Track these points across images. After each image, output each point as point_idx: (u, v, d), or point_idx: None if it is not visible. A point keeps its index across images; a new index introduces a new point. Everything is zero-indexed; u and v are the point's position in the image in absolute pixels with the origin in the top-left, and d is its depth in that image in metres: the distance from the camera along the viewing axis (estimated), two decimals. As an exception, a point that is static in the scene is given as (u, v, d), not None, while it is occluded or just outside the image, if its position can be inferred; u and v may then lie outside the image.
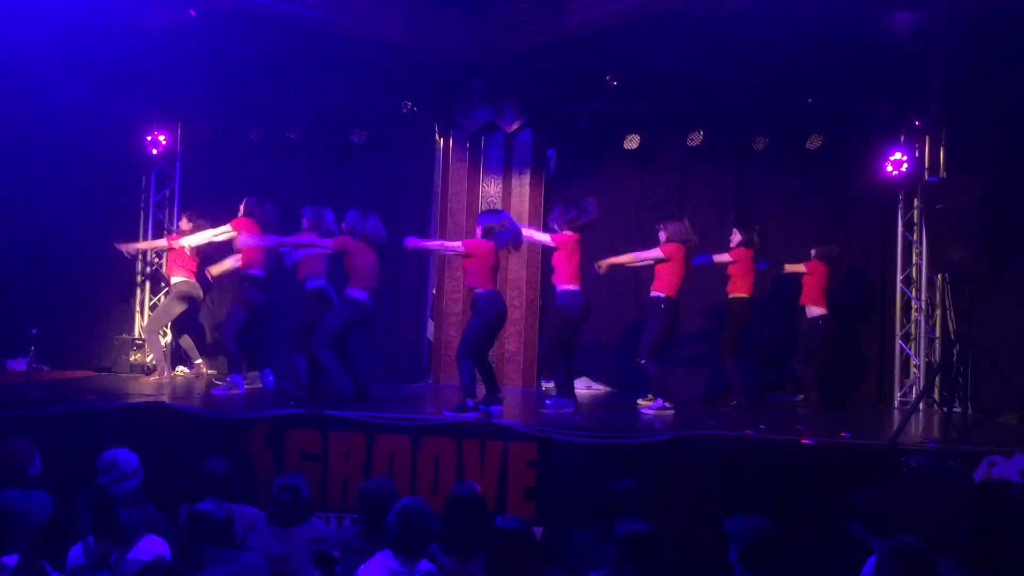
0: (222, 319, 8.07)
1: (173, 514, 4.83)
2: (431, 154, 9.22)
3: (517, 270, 8.78)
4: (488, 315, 6.57)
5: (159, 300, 9.19)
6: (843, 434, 6.08)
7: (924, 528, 4.19)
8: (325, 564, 3.80)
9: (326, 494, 5.87)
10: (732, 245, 7.88)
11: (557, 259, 6.96)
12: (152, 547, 3.85)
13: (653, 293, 7.23)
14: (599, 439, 5.80)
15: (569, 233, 6.94)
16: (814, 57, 7.95)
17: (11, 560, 3.55)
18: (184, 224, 8.45)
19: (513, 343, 8.83)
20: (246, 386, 7.54)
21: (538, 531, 5.34)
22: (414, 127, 8.99)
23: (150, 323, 8.67)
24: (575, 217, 6.94)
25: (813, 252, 7.96)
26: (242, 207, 7.74)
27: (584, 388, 8.55)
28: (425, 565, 3.83)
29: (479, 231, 6.77)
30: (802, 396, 8.16)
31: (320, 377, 6.93)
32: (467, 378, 6.52)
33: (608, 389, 8.83)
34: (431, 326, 9.21)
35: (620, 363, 8.65)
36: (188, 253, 8.31)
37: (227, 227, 7.78)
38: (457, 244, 6.95)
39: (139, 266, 9.35)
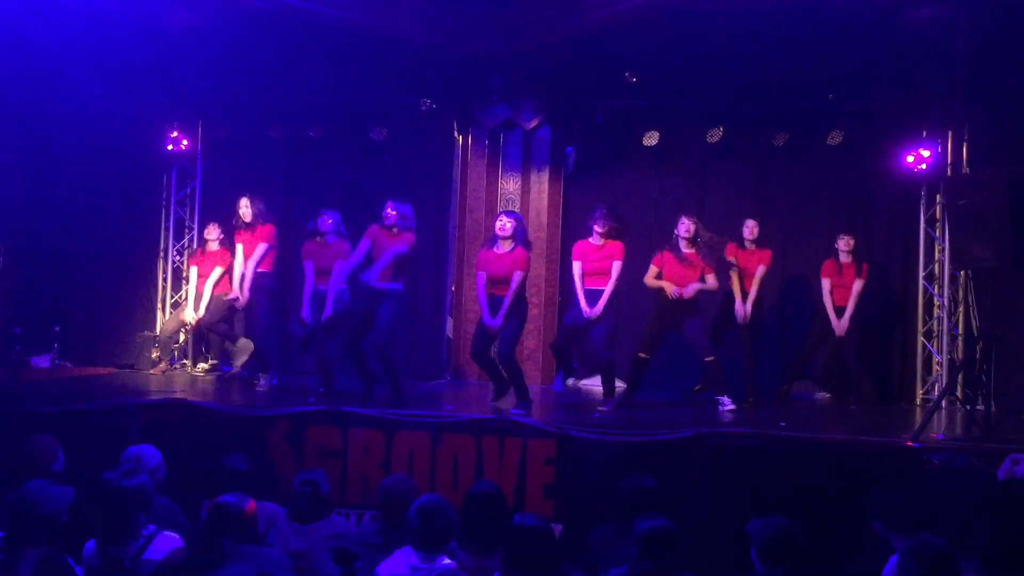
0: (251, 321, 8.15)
1: (194, 510, 4.87)
2: (450, 151, 9.22)
3: (536, 267, 8.74)
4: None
5: (180, 297, 9.25)
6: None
7: (946, 526, 4.16)
8: (345, 560, 3.81)
9: (346, 491, 5.90)
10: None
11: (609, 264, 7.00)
12: (169, 545, 3.87)
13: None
14: (618, 436, 5.80)
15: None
16: (835, 52, 7.88)
17: (33, 553, 3.58)
18: (215, 232, 8.51)
19: (531, 340, 8.82)
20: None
21: (557, 528, 5.34)
22: (433, 124, 8.98)
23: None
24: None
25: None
26: (255, 214, 7.92)
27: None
28: (445, 562, 3.84)
29: None
30: (826, 394, 8.15)
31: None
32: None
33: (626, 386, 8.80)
34: (450, 323, 9.22)
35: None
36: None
37: (262, 245, 7.95)
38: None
39: (161, 263, 9.42)
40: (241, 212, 8.02)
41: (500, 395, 6.88)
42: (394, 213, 6.88)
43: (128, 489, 3.90)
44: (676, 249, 7.24)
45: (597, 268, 6.97)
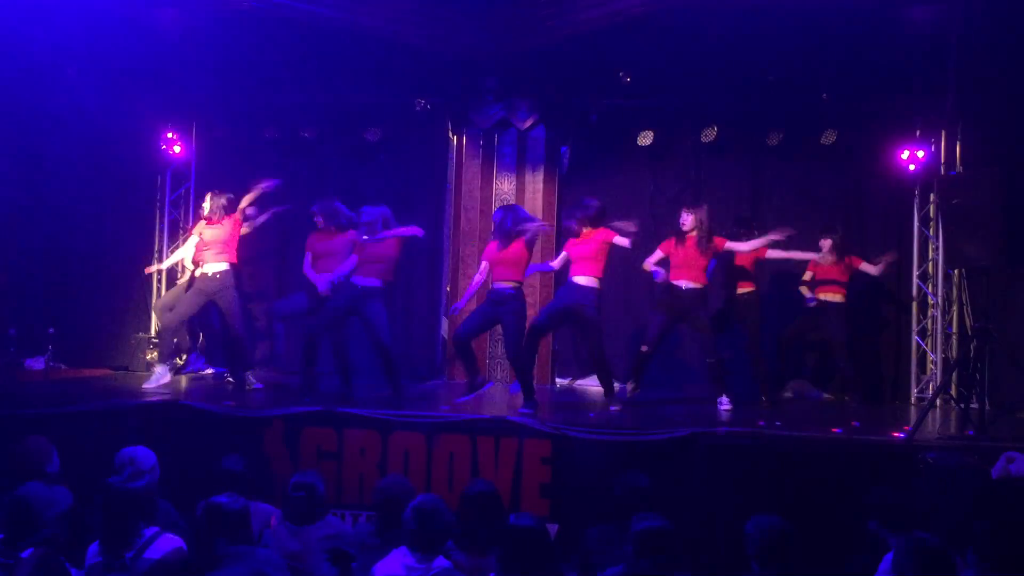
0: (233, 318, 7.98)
1: (191, 512, 4.86)
2: (444, 151, 9.23)
3: (531, 266, 8.76)
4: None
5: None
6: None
7: (941, 524, 4.17)
8: (341, 561, 3.81)
9: (342, 491, 5.90)
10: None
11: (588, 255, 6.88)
12: (169, 546, 3.87)
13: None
14: (614, 436, 5.80)
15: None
16: (829, 51, 7.90)
17: (31, 555, 3.57)
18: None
19: (527, 340, 8.82)
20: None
21: (553, 528, 5.34)
22: (428, 124, 8.99)
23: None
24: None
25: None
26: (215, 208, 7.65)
27: (598, 385, 8.53)
28: (441, 562, 3.84)
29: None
30: (820, 393, 8.17)
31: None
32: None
33: (622, 385, 8.80)
34: (445, 323, 9.22)
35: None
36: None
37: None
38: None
39: (155, 264, 9.38)
40: (205, 206, 7.67)
41: (472, 389, 6.77)
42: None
43: (132, 492, 3.90)
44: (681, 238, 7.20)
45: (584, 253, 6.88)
